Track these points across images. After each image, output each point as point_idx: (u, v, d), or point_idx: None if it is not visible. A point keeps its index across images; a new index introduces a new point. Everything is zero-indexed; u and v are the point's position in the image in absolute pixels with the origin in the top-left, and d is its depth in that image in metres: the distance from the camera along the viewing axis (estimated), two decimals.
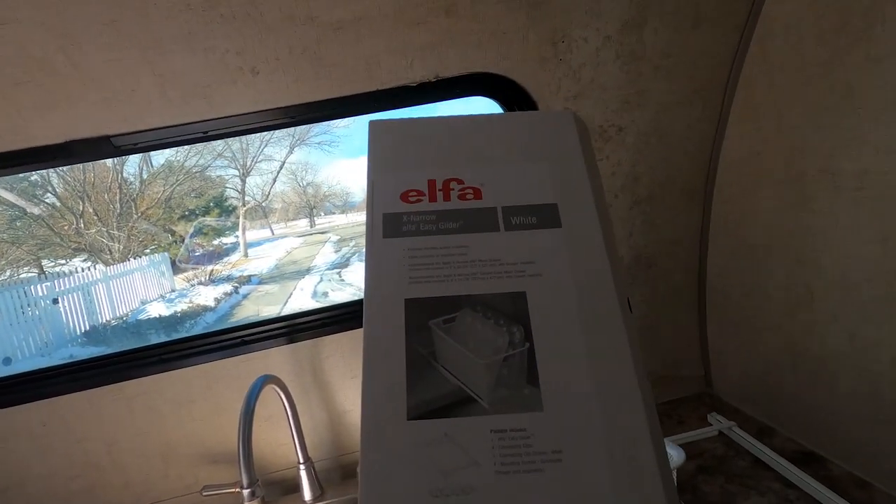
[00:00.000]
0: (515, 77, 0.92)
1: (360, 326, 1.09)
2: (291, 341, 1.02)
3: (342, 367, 1.06)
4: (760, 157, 0.93)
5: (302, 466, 1.00)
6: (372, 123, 0.41)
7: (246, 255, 10.29)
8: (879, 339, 0.77)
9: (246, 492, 0.78)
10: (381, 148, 0.39)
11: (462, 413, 0.29)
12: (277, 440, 1.06)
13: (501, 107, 0.98)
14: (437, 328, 0.32)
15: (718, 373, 1.17)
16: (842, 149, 0.77)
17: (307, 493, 1.00)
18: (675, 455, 0.64)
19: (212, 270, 8.98)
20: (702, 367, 1.21)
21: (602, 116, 0.97)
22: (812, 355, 0.89)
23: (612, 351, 0.31)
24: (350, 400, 1.08)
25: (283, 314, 1.06)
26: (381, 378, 0.30)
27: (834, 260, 0.82)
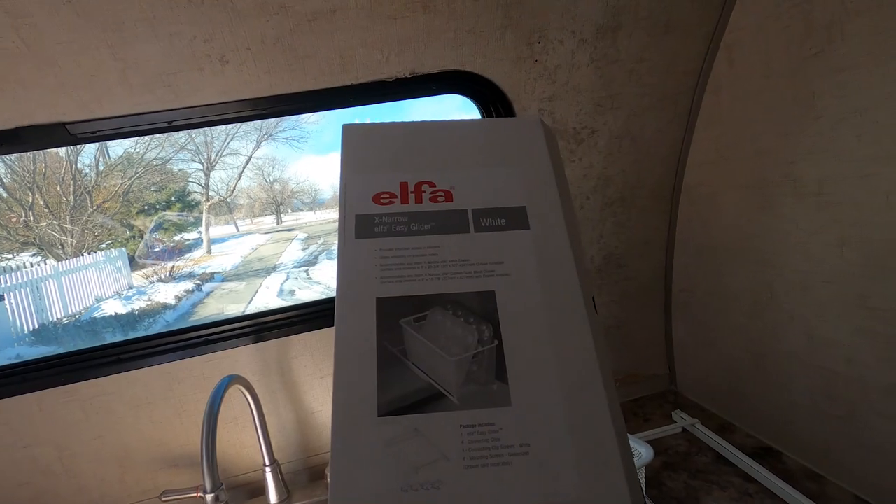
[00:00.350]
0: (491, 76, 0.92)
1: (329, 326, 1.08)
2: (257, 340, 0.99)
3: (310, 366, 1.03)
4: (726, 162, 0.96)
5: (268, 469, 0.97)
6: (345, 127, 0.41)
7: (209, 251, 9.98)
8: (835, 339, 0.80)
9: (209, 496, 0.75)
10: (354, 151, 0.40)
11: (432, 409, 0.30)
12: (242, 442, 1.03)
13: (477, 105, 0.97)
14: (408, 326, 0.32)
15: (682, 371, 1.21)
16: (803, 155, 0.80)
17: (273, 496, 0.98)
18: (644, 452, 0.65)
19: (173, 267, 8.67)
20: (666, 365, 1.24)
21: (576, 119, 0.98)
22: (771, 354, 0.93)
23: (577, 348, 0.32)
24: (318, 400, 1.06)
25: (248, 313, 1.03)
26: (352, 375, 0.31)
27: (794, 262, 0.85)
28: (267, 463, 0.98)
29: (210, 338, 0.98)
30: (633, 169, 1.06)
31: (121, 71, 0.76)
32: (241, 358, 0.99)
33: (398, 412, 0.30)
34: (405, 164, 0.39)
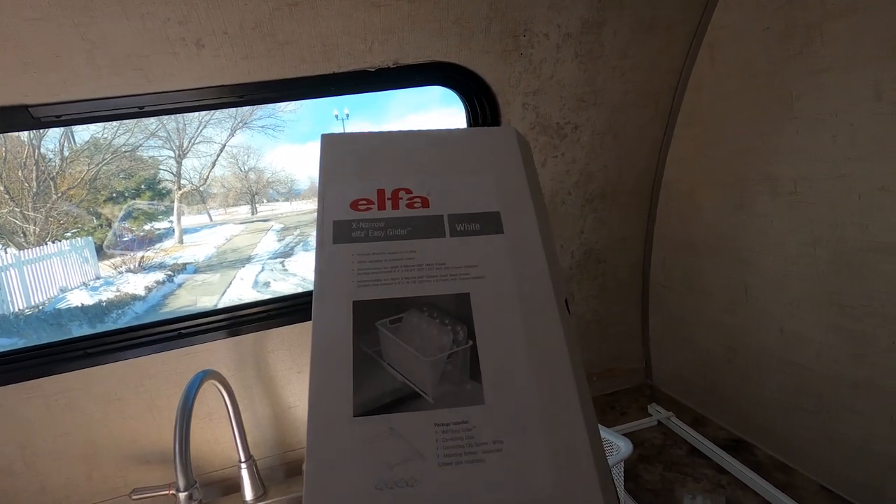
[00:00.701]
0: (476, 68, 0.90)
1: (306, 320, 1.06)
2: (233, 334, 0.97)
3: (287, 361, 1.01)
4: (705, 160, 0.98)
5: (243, 465, 0.95)
6: (323, 137, 0.43)
7: (181, 241, 9.73)
8: (807, 335, 0.83)
9: (182, 495, 0.73)
10: (332, 160, 0.41)
11: (407, 409, 0.30)
12: (217, 438, 1.00)
13: (461, 98, 0.96)
14: (384, 328, 0.33)
15: (658, 365, 1.23)
16: (780, 155, 0.82)
17: (248, 493, 0.96)
18: (623, 446, 0.66)
19: (143, 257, 8.43)
20: (643, 359, 1.26)
21: (559, 114, 0.98)
22: (745, 349, 0.95)
23: (549, 348, 0.33)
24: (295, 395, 1.04)
25: (223, 306, 1.00)
26: (328, 376, 0.31)
27: (769, 260, 0.87)
28: (242, 459, 0.96)
29: (184, 331, 0.95)
30: (614, 165, 1.06)
31: (88, 52, 0.73)
32: (216, 352, 0.96)
33: (374, 412, 0.30)
34: (382, 172, 0.40)
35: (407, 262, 0.36)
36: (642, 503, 0.81)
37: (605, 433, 0.76)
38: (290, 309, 1.00)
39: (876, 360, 0.73)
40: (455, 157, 0.42)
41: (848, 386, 0.77)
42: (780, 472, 0.89)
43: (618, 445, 0.73)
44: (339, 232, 0.37)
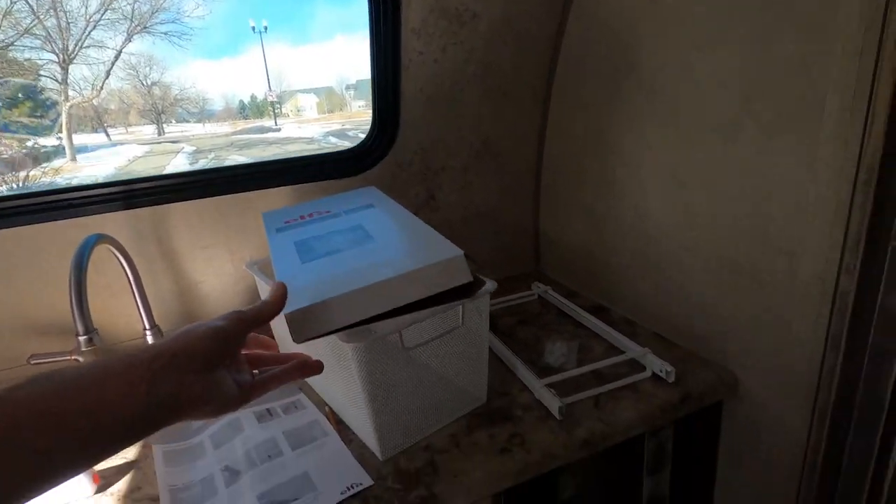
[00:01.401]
0: None
1: (205, 196, 1.13)
2: (129, 207, 0.96)
3: (190, 236, 1.03)
4: (591, 55, 1.07)
5: (149, 332, 0.99)
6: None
7: (74, 159, 8.74)
8: (652, 210, 0.98)
9: (83, 338, 0.76)
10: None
11: None
12: (119, 311, 1.02)
13: None
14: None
15: (545, 252, 1.38)
16: (651, 48, 0.92)
17: None
18: (489, 283, 0.78)
19: (27, 175, 7.53)
20: (534, 249, 1.41)
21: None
22: (611, 229, 1.11)
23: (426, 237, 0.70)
24: (201, 271, 1.07)
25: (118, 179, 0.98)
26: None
27: (630, 145, 1.00)
28: (147, 327, 0.99)
29: (75, 202, 0.93)
30: (513, 60, 1.13)
31: None
32: (112, 224, 0.96)
33: None
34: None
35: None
36: (516, 352, 0.96)
37: None
38: (187, 185, 1.01)
39: (702, 226, 0.88)
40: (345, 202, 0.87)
41: (680, 249, 0.93)
42: (626, 325, 1.07)
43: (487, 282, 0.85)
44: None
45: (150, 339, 0.98)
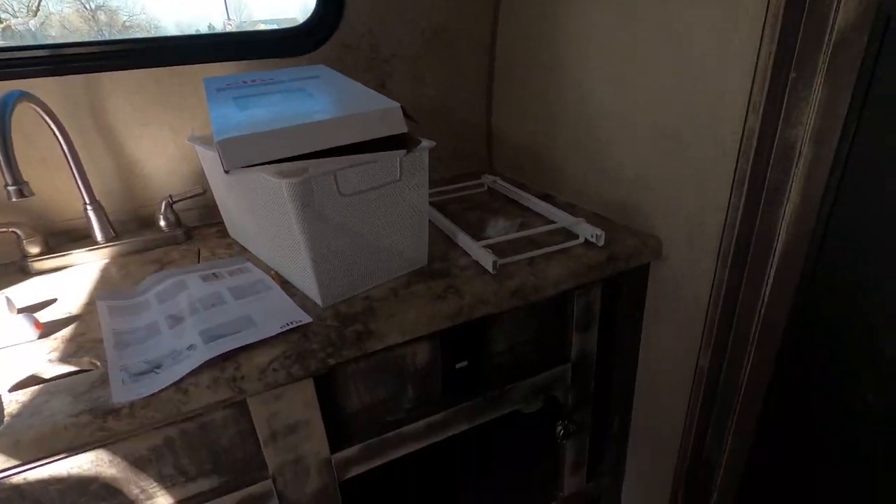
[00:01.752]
0: None
1: (144, 66, 1.10)
2: (59, 73, 0.92)
3: (129, 111, 1.00)
4: None
5: (89, 208, 0.98)
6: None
7: None
8: (597, 91, 1.00)
9: (12, 188, 0.74)
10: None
11: None
12: (57, 186, 1.00)
13: None
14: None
15: (497, 151, 1.40)
16: None
17: (98, 235, 1.00)
18: (426, 142, 0.79)
19: None
20: (486, 147, 1.42)
21: None
22: (559, 115, 1.12)
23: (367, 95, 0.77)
24: (143, 149, 1.05)
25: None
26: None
27: (577, 27, 1.00)
28: (87, 202, 0.98)
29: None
30: None
31: None
32: (41, 91, 0.92)
33: None
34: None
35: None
36: (461, 228, 0.99)
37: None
38: (122, 53, 0.97)
39: (636, 98, 0.91)
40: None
41: (624, 126, 0.96)
42: (568, 207, 1.12)
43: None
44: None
45: (91, 216, 0.97)
